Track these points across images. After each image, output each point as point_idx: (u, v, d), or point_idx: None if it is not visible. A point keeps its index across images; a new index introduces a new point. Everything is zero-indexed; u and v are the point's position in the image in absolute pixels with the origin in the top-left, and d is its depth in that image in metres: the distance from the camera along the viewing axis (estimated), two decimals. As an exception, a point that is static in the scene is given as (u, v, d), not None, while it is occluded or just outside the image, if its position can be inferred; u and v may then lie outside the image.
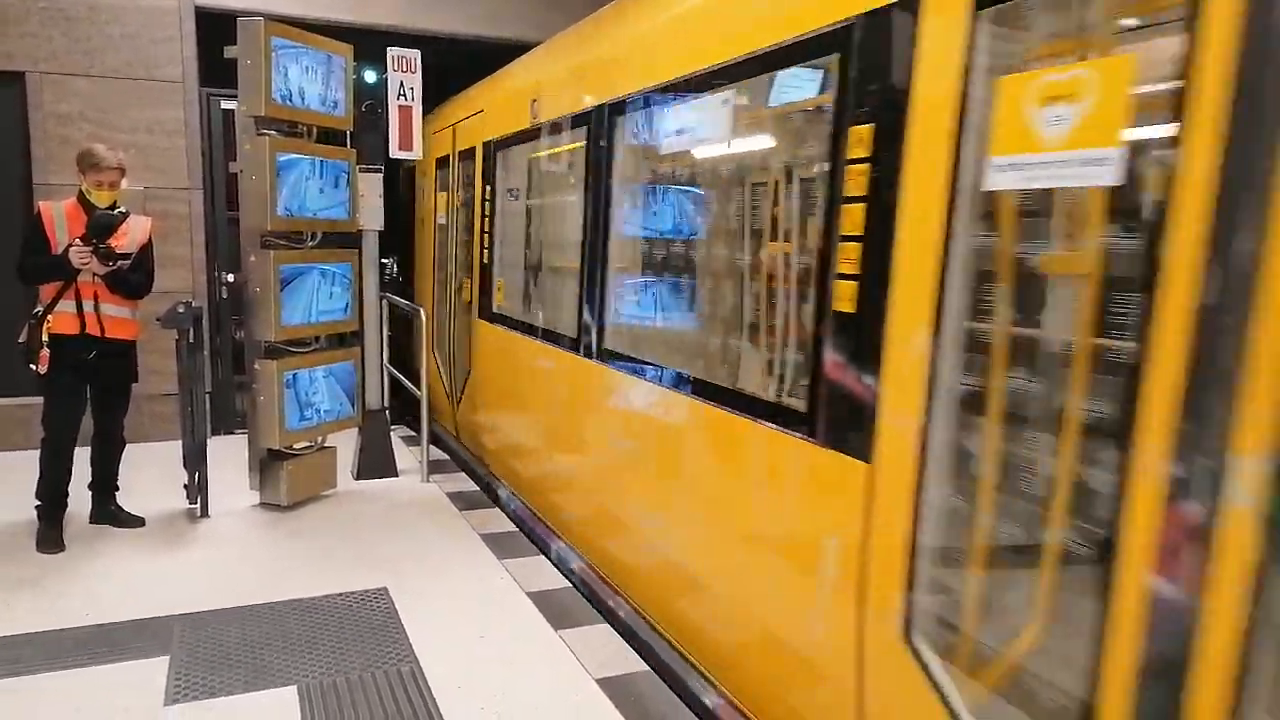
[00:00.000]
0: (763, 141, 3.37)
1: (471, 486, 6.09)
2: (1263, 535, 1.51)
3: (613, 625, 3.99)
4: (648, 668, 3.59)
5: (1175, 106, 1.66)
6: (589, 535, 4.52)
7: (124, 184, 4.68)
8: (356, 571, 4.37)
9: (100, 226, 4.37)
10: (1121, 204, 1.88)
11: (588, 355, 4.27)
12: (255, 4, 6.64)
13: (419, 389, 6.19)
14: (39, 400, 4.59)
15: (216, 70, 6.92)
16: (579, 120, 4.50)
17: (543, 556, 4.78)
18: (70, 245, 4.33)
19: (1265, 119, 1.53)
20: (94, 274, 4.42)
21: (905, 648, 2.29)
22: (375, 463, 6.09)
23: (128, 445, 4.92)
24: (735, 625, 3.20)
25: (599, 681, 3.39)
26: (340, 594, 4.10)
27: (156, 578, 4.23)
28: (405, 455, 6.55)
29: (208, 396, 5.87)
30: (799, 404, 2.75)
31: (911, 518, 2.27)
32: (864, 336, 2.45)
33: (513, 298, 5.79)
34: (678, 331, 3.92)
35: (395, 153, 6.23)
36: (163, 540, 4.74)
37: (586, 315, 4.26)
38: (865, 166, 2.46)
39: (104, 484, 4.88)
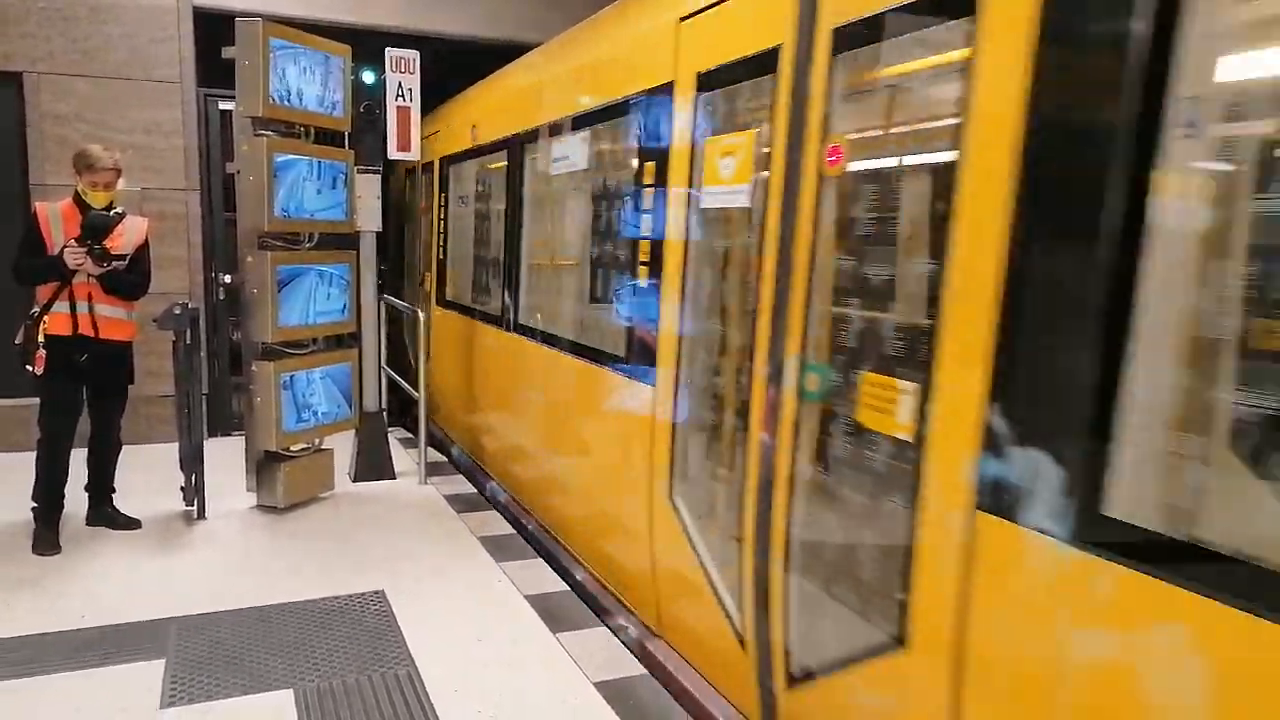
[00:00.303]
0: (601, 168, 4.47)
1: (469, 489, 6.08)
2: (797, 402, 2.74)
3: (523, 537, 5.11)
4: (645, 671, 3.59)
5: (768, 163, 2.91)
6: (508, 468, 5.73)
7: (121, 184, 4.67)
8: (353, 574, 4.36)
9: (95, 227, 4.36)
10: (751, 219, 3.08)
11: (507, 329, 5.52)
12: (253, 4, 6.63)
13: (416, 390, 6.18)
14: (38, 401, 4.57)
15: (214, 70, 6.91)
16: (501, 145, 5.74)
17: (541, 559, 4.77)
18: (65, 246, 4.32)
19: (801, 179, 2.72)
20: (88, 275, 4.41)
21: (669, 503, 3.53)
22: (372, 465, 6.08)
23: (124, 447, 4.91)
24: (591, 514, 4.46)
25: (597, 685, 3.38)
26: (337, 597, 4.09)
27: (153, 580, 4.22)
28: (403, 457, 6.54)
29: (204, 398, 5.86)
30: (621, 352, 3.95)
31: (671, 420, 3.51)
32: (651, 304, 3.67)
33: (460, 287, 7.02)
34: (560, 309, 5.08)
35: (394, 153, 6.22)
36: (159, 542, 4.72)
37: (506, 298, 5.51)
38: (651, 189, 3.69)
39: (100, 486, 4.87)
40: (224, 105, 6.84)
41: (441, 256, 7.29)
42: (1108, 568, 1.73)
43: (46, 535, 4.54)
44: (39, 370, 4.39)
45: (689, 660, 3.53)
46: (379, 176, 6.15)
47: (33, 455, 4.59)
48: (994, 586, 2.02)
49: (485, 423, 6.08)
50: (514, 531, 5.22)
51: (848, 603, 2.61)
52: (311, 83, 5.23)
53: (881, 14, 2.42)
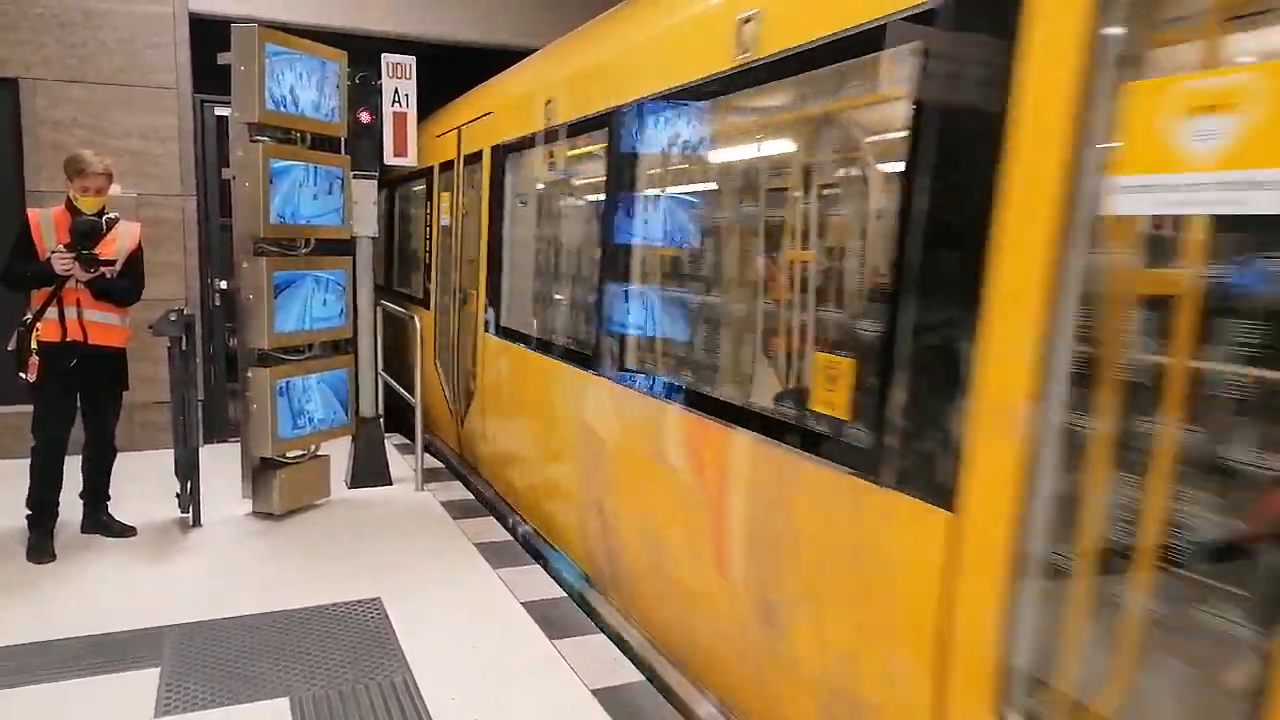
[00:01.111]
0: (445, 201, 7.22)
1: (467, 495, 6.06)
2: (482, 323, 5.91)
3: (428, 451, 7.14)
4: (643, 678, 3.57)
5: (474, 204, 6.32)
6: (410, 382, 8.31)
7: (115, 190, 4.64)
8: (350, 581, 4.34)
9: (84, 233, 4.35)
10: (450, 232, 6.88)
11: (425, 306, 7.97)
12: (249, 10, 6.62)
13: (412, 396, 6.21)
14: (32, 408, 4.54)
15: (210, 75, 6.89)
16: (419, 173, 8.28)
17: (538, 565, 4.76)
18: (53, 252, 4.30)
19: (455, 215, 6.75)
20: (77, 280, 4.39)
21: (435, 366, 7.09)
22: (369, 471, 6.06)
23: (119, 454, 4.89)
24: (443, 412, 7.20)
25: (594, 692, 3.36)
26: (333, 604, 4.07)
27: (148, 587, 4.20)
28: (399, 463, 6.52)
29: (200, 405, 5.84)
30: (421, 297, 7.68)
31: (434, 326, 7.26)
32: (428, 273, 7.57)
33: (392, 275, 10.15)
34: (413, 282, 8.61)
35: (390, 158, 6.21)
36: (155, 550, 4.70)
37: (427, 283, 8.23)
38: (446, 213, 6.88)
39: (95, 493, 4.85)
40: (220, 111, 6.83)
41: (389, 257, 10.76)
42: (501, 341, 5.42)
43: (41, 543, 4.52)
44: (32, 377, 4.37)
45: (447, 444, 7.08)
46: (375, 181, 6.14)
47: (27, 463, 4.57)
48: (487, 356, 5.58)
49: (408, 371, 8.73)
50: (510, 538, 5.21)
51: (467, 381, 6.08)
52: (307, 88, 5.22)
53: (475, 152, 5.74)
